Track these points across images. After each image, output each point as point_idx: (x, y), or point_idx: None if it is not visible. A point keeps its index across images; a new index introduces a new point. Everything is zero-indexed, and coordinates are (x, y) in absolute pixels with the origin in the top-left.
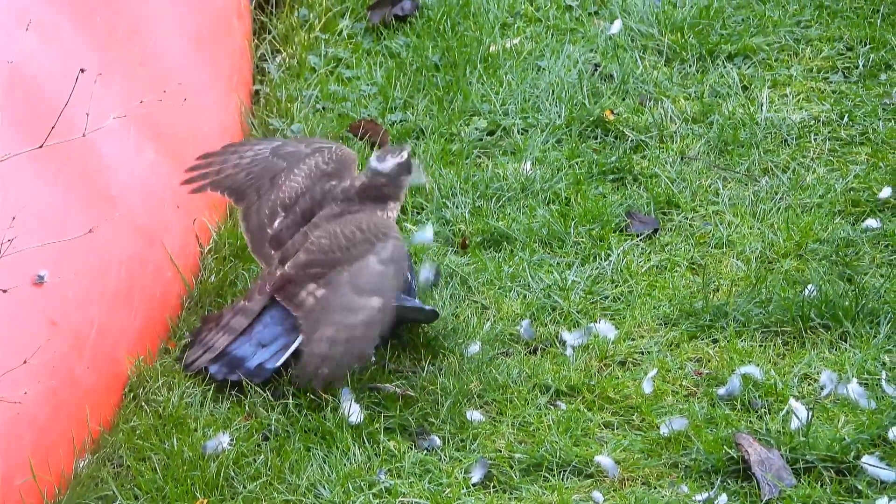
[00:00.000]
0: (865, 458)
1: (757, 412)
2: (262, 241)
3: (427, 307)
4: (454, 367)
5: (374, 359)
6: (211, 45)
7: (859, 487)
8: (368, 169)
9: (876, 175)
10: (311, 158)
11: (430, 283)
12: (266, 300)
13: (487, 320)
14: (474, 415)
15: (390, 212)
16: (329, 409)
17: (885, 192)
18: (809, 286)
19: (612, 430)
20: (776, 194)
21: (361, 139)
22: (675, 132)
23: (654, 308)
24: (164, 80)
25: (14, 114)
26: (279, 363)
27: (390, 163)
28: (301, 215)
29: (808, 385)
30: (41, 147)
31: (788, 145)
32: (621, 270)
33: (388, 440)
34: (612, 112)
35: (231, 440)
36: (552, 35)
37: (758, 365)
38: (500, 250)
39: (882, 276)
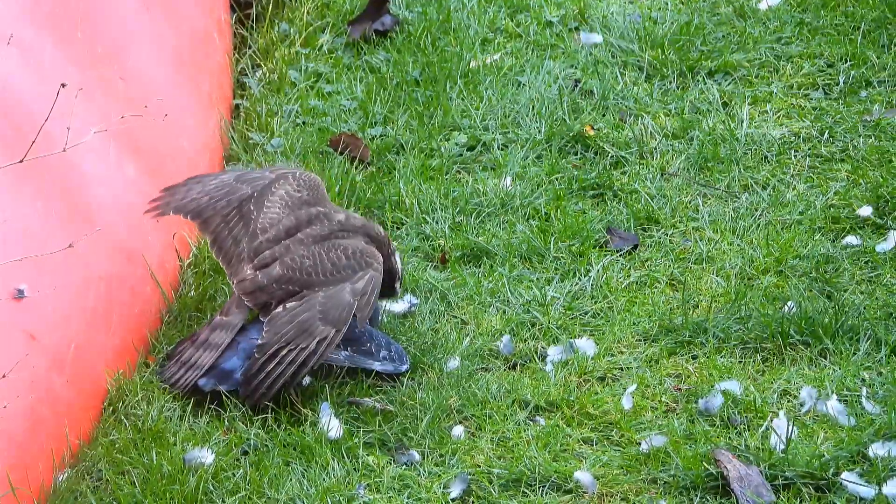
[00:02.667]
0: (845, 475)
1: (736, 428)
2: (240, 264)
3: (382, 369)
4: (433, 382)
5: (305, 381)
6: (191, 61)
7: None
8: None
9: (856, 192)
10: (278, 187)
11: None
12: (245, 312)
13: (467, 335)
14: (454, 430)
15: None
16: (308, 423)
17: (866, 210)
18: (789, 303)
19: (592, 445)
20: (756, 211)
21: (342, 153)
22: (656, 148)
23: (634, 324)
24: (144, 96)
25: None
26: (294, 382)
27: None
28: (285, 231)
29: (788, 401)
30: (21, 162)
31: (769, 162)
32: (601, 286)
33: (368, 455)
34: (593, 128)
35: (211, 455)
36: (532, 51)
37: (737, 381)
38: (480, 266)
39: (862, 292)
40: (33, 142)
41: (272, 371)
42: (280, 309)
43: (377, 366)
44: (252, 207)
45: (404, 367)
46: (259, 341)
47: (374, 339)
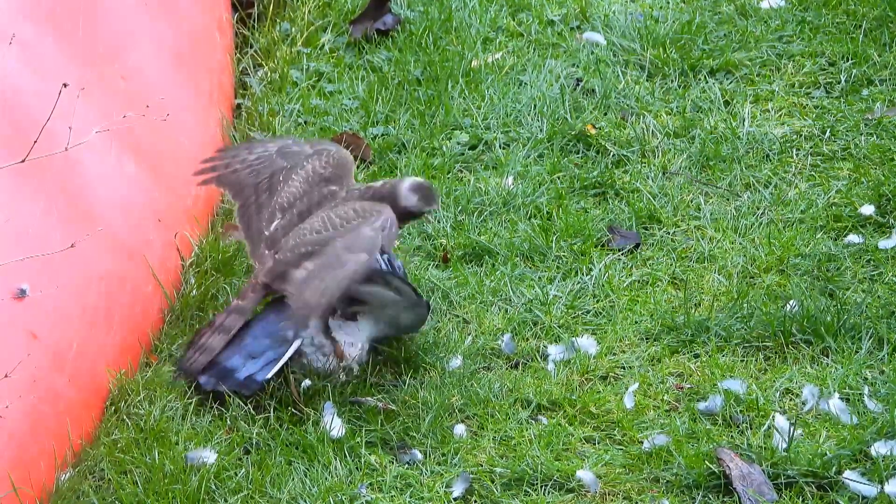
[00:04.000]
0: (847, 474)
1: (738, 427)
2: (259, 243)
3: (422, 300)
4: (435, 381)
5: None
6: (192, 60)
7: (841, 503)
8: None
9: (858, 190)
10: (309, 162)
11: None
12: (260, 296)
13: (469, 335)
14: (456, 429)
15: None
16: (310, 422)
17: (867, 208)
18: (791, 301)
19: (594, 444)
20: (758, 209)
21: None
22: (657, 147)
23: (636, 323)
24: (145, 95)
25: None
26: (269, 375)
27: (413, 201)
28: (298, 216)
29: (790, 400)
30: (23, 162)
31: (770, 160)
32: (603, 285)
33: (370, 454)
34: (594, 127)
35: (213, 454)
36: (534, 50)
37: (740, 380)
38: (482, 265)
39: (864, 291)
40: (35, 141)
41: (312, 290)
42: (301, 271)
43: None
44: (280, 182)
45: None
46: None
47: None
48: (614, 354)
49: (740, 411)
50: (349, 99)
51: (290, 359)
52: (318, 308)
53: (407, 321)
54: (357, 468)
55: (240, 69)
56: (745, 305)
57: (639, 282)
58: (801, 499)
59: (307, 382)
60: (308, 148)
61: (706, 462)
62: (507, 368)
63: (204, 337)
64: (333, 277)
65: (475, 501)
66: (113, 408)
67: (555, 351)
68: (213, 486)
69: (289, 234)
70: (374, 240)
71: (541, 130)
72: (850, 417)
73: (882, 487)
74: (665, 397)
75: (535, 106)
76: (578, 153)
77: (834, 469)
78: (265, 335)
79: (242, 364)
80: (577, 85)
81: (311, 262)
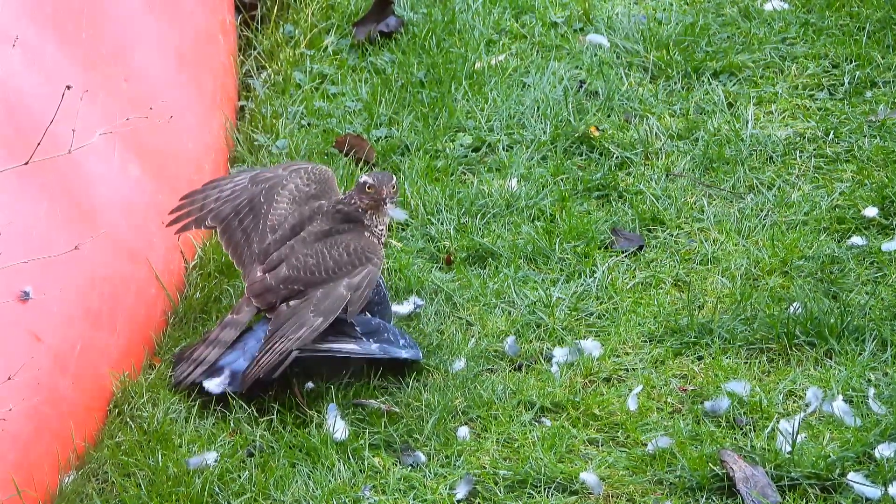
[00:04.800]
0: (851, 476)
1: (742, 429)
2: (251, 264)
3: (404, 354)
4: (439, 383)
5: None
6: (195, 62)
7: None
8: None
9: (861, 192)
10: (289, 181)
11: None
12: (255, 311)
13: (472, 337)
14: (459, 431)
15: (378, 228)
16: (314, 425)
17: (871, 210)
18: (794, 303)
19: (597, 446)
20: (761, 211)
21: (347, 155)
22: (661, 149)
23: (639, 325)
24: (148, 97)
25: None
26: (275, 375)
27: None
28: (290, 229)
29: (794, 402)
30: (27, 164)
31: (774, 162)
32: (606, 287)
33: (373, 456)
34: (598, 129)
35: (216, 457)
36: (537, 52)
37: (743, 382)
38: (485, 267)
39: (867, 293)
40: (38, 143)
41: (262, 360)
42: (284, 306)
43: (404, 353)
44: (263, 204)
45: (421, 354)
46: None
47: (390, 330)
48: (618, 356)
49: (744, 413)
50: (352, 101)
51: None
52: (250, 382)
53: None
54: (361, 470)
55: (243, 71)
56: (748, 307)
57: (642, 284)
58: (804, 501)
59: (310, 385)
60: (280, 170)
61: (710, 464)
62: (510, 370)
63: (198, 350)
64: (281, 348)
65: (478, 503)
66: (116, 410)
67: (558, 353)
68: (217, 489)
69: (281, 251)
70: (341, 301)
71: (544, 132)
72: (853, 419)
73: (886, 489)
74: (668, 399)
75: (538, 108)
76: (582, 155)
77: (837, 471)
78: (259, 337)
79: (235, 360)
80: (581, 87)
81: (294, 301)
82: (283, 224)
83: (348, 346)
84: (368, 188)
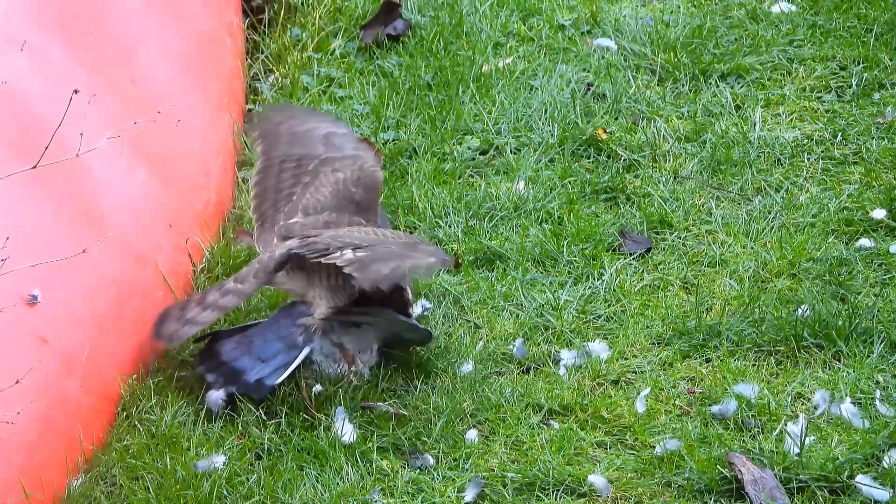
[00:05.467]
0: (859, 478)
1: (750, 431)
2: (271, 227)
3: (422, 327)
4: (447, 386)
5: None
6: (202, 66)
7: None
8: None
9: (869, 194)
10: (340, 169)
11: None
12: (262, 283)
13: (480, 339)
14: (467, 434)
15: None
16: (322, 428)
17: (879, 212)
18: (803, 306)
19: (605, 449)
20: (769, 213)
21: None
22: (668, 151)
23: (647, 327)
24: (155, 100)
25: (3, 135)
26: (279, 381)
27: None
28: (324, 225)
29: (802, 404)
30: (34, 168)
31: (782, 164)
32: (614, 290)
33: (381, 459)
34: (605, 131)
35: (224, 460)
36: (545, 54)
37: (751, 384)
38: (493, 269)
39: (875, 295)
40: (46, 147)
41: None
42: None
43: (421, 325)
44: (309, 173)
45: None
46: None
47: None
48: (626, 359)
49: (752, 416)
50: (360, 104)
51: (301, 364)
52: (387, 280)
53: (410, 337)
54: (369, 473)
55: (250, 74)
56: (756, 310)
57: (650, 286)
58: (812, 503)
59: (318, 388)
60: (350, 146)
61: (718, 466)
62: (518, 373)
63: (191, 310)
64: (401, 266)
65: None
66: (124, 413)
67: (566, 355)
68: (225, 492)
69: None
70: (440, 254)
71: (552, 135)
72: (862, 422)
73: (894, 491)
74: (677, 402)
75: (545, 111)
76: (589, 158)
77: (846, 473)
78: (276, 338)
79: (251, 367)
80: (588, 90)
81: (362, 252)
82: (318, 213)
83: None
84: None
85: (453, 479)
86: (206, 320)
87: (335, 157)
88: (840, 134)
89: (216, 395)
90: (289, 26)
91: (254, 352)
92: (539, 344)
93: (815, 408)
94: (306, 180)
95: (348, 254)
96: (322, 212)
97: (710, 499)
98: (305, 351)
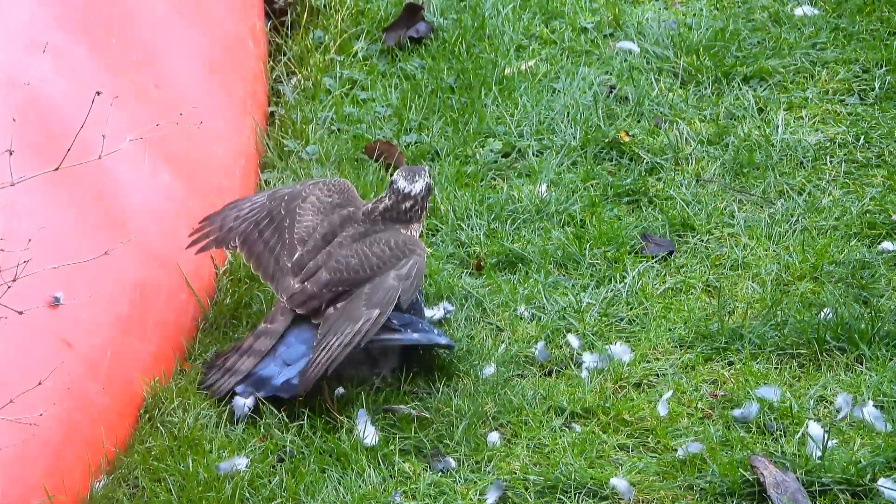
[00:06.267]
0: (881, 481)
1: (772, 435)
2: (282, 278)
3: (444, 342)
4: (469, 388)
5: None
6: (225, 69)
7: None
8: (394, 191)
9: (892, 197)
10: (309, 193)
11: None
12: (289, 320)
13: (502, 342)
14: (489, 437)
15: (413, 231)
16: (344, 430)
17: None
18: (825, 309)
19: (628, 452)
20: (792, 217)
21: (377, 160)
22: (691, 154)
23: (670, 330)
24: (178, 103)
25: (28, 137)
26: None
27: (419, 184)
28: (322, 238)
29: (824, 408)
30: (57, 169)
31: (804, 167)
32: (636, 293)
33: (403, 462)
34: (628, 134)
35: (246, 462)
36: (567, 57)
37: (774, 387)
38: (515, 272)
39: None
40: (69, 149)
41: (318, 358)
42: (331, 310)
43: (442, 340)
44: (285, 217)
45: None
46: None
47: (423, 322)
48: (648, 362)
49: (774, 419)
50: (382, 106)
51: None
52: (313, 381)
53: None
54: (391, 476)
55: (273, 77)
56: (778, 313)
57: (672, 289)
58: None
59: (340, 390)
60: (297, 186)
61: (740, 469)
62: (540, 376)
63: (231, 359)
64: (340, 343)
65: None
66: (147, 416)
67: (588, 358)
68: (247, 494)
69: (317, 259)
70: (394, 292)
71: (574, 138)
72: (884, 425)
73: None
74: (699, 405)
75: (568, 113)
76: (612, 161)
77: (868, 476)
78: (299, 342)
79: (278, 371)
80: (611, 92)
81: (341, 304)
82: (312, 235)
83: (393, 336)
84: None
85: (475, 482)
86: (247, 367)
87: (296, 194)
88: (863, 137)
89: (242, 401)
90: (311, 29)
91: (278, 358)
92: (561, 347)
93: (838, 411)
94: (286, 224)
95: (331, 310)
96: (315, 230)
97: (733, 502)
98: None
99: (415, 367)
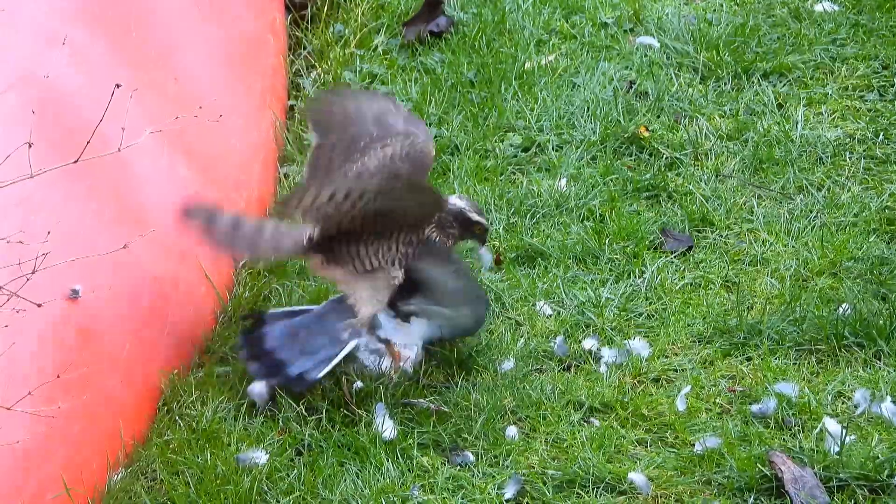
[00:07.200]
0: None
1: (790, 430)
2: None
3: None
4: (488, 383)
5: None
6: (244, 63)
7: None
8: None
9: None
10: (388, 146)
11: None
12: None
13: (521, 337)
14: (508, 431)
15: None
16: (363, 424)
17: None
18: (844, 304)
19: (646, 447)
20: (811, 212)
21: None
22: (710, 150)
23: (688, 325)
24: (197, 97)
25: (46, 131)
26: (321, 375)
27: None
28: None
29: (842, 403)
30: (76, 162)
31: (823, 163)
32: (655, 288)
33: (422, 456)
34: (647, 129)
35: (265, 455)
36: (587, 52)
37: (792, 383)
38: (535, 267)
39: None
40: (88, 142)
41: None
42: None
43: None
44: (359, 153)
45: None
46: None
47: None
48: (666, 357)
49: (792, 414)
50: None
51: (344, 360)
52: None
53: (463, 322)
54: (409, 470)
55: (293, 71)
56: (797, 308)
57: (691, 284)
58: (853, 502)
59: (359, 384)
60: (401, 123)
61: (758, 465)
62: (559, 370)
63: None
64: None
65: (527, 503)
66: (165, 408)
67: (607, 353)
68: (265, 488)
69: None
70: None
71: (594, 133)
72: None
73: None
74: (717, 400)
75: (588, 108)
76: (631, 156)
77: (886, 472)
78: (321, 332)
79: (294, 359)
80: (631, 87)
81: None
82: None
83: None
84: (477, 228)
85: (493, 476)
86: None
87: (387, 135)
88: (882, 133)
89: (259, 389)
90: (331, 22)
91: (297, 343)
92: (580, 341)
93: (856, 407)
94: (355, 157)
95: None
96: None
97: (750, 497)
98: (350, 346)
99: (434, 361)
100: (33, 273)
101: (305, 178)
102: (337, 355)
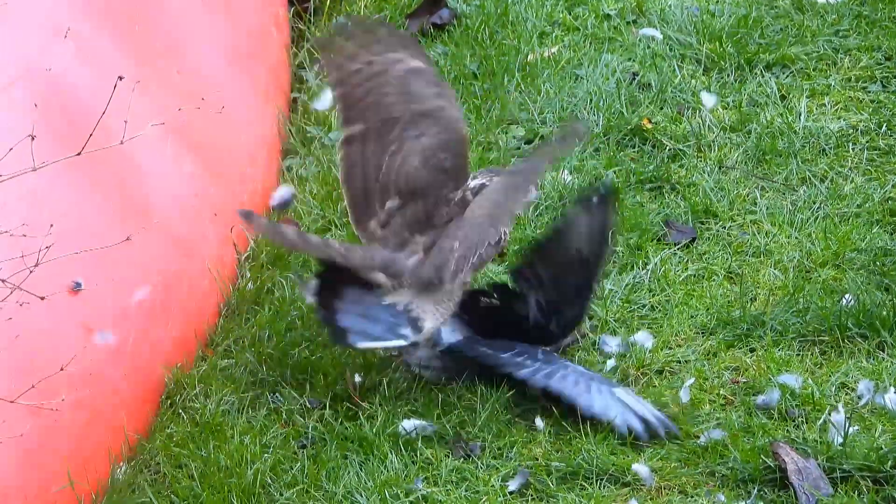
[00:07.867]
0: None
1: (794, 421)
2: (366, 208)
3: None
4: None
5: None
6: (248, 56)
7: None
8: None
9: None
10: (422, 135)
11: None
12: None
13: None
14: (512, 423)
15: None
16: (366, 417)
17: None
18: (847, 296)
19: (649, 438)
20: (814, 203)
21: None
22: (713, 141)
23: (692, 317)
24: (201, 90)
25: (50, 123)
26: (359, 345)
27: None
28: (425, 215)
29: (846, 394)
30: (79, 154)
31: (826, 154)
32: (659, 279)
33: (426, 448)
34: (650, 121)
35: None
36: (590, 44)
37: (795, 374)
38: None
39: None
40: (91, 135)
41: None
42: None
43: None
44: (395, 143)
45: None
46: None
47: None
48: (670, 348)
49: (796, 405)
50: None
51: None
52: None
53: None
54: (413, 462)
55: (296, 63)
56: (800, 300)
57: (694, 276)
58: (856, 493)
59: (358, 378)
60: (431, 92)
61: (762, 456)
62: None
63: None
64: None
65: (531, 495)
66: (169, 402)
67: (611, 345)
68: (269, 480)
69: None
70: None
71: (597, 125)
72: None
73: None
74: (721, 391)
75: (591, 100)
76: (634, 147)
77: (890, 463)
78: (388, 313)
79: (349, 314)
80: (633, 79)
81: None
82: (412, 196)
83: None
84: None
85: (497, 468)
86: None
87: (417, 116)
88: (885, 124)
89: (310, 298)
90: (334, 15)
91: (362, 303)
92: (585, 335)
93: (860, 398)
94: (393, 149)
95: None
96: (416, 191)
97: (754, 488)
98: (400, 343)
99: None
100: (36, 266)
101: (343, 179)
102: (384, 342)
